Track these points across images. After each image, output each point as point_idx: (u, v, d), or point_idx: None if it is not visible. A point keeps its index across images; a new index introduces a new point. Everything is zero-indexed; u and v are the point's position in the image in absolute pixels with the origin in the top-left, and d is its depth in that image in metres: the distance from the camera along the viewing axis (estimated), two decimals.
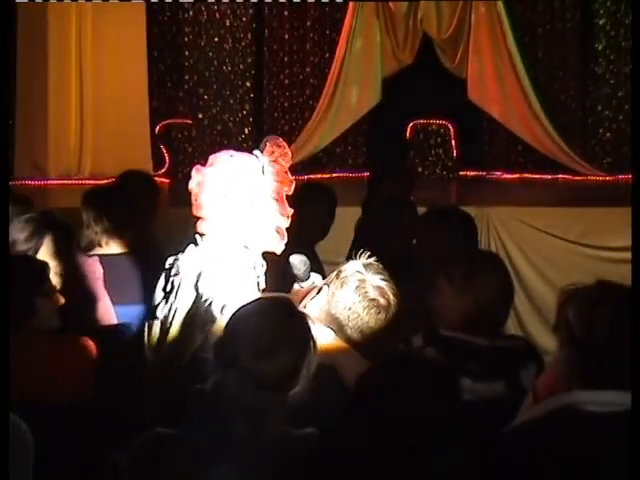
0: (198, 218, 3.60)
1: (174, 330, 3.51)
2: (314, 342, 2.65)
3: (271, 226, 3.59)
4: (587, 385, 2.45)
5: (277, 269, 3.82)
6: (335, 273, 3.27)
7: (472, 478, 2.37)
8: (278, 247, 3.64)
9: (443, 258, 3.85)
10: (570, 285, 2.57)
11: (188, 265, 3.53)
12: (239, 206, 3.55)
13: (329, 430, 2.40)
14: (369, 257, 3.29)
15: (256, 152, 3.65)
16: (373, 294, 3.19)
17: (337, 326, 3.17)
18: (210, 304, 3.41)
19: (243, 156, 3.66)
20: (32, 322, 3.48)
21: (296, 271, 3.89)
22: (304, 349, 2.61)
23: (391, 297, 3.20)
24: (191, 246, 3.58)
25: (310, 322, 2.70)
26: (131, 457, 2.57)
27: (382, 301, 3.18)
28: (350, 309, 3.17)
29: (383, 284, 3.22)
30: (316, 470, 2.33)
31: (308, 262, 3.89)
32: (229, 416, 2.49)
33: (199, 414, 2.53)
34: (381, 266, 3.28)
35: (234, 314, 2.68)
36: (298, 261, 3.87)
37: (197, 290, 3.46)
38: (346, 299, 3.18)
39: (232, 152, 3.69)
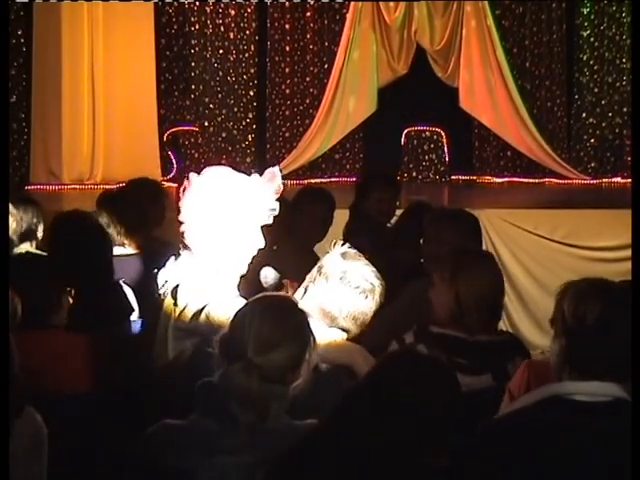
0: (181, 223, 3.56)
1: (158, 338, 3.50)
2: (314, 338, 2.66)
3: (245, 247, 3.55)
4: (577, 374, 2.46)
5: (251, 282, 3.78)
6: (316, 269, 3.24)
7: (462, 466, 2.38)
8: (244, 268, 3.59)
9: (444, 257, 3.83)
10: (567, 282, 2.58)
11: (167, 276, 3.50)
12: (219, 221, 3.50)
13: (333, 421, 2.40)
14: (342, 246, 3.27)
15: (254, 175, 3.62)
16: (357, 281, 3.16)
17: (330, 319, 3.15)
18: (186, 313, 3.38)
19: (236, 175, 3.61)
20: (54, 319, 3.49)
21: (266, 283, 3.82)
22: (305, 344, 2.63)
23: (374, 279, 3.17)
24: (172, 258, 3.54)
25: (310, 319, 2.72)
26: (142, 447, 2.58)
27: (366, 285, 3.14)
28: (339, 300, 3.15)
29: (364, 269, 3.19)
30: (317, 460, 2.34)
31: (279, 275, 3.82)
32: (235, 406, 2.50)
33: (206, 405, 2.55)
34: (357, 252, 3.25)
35: (239, 311, 2.70)
36: (268, 274, 3.81)
37: (175, 300, 3.42)
38: (333, 292, 3.15)
39: (228, 168, 3.65)
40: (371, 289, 3.16)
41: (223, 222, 3.49)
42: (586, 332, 2.44)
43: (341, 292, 3.15)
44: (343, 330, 3.16)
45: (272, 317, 2.63)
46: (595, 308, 2.45)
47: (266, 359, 2.55)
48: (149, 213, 5.06)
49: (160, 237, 5.23)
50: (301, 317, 2.70)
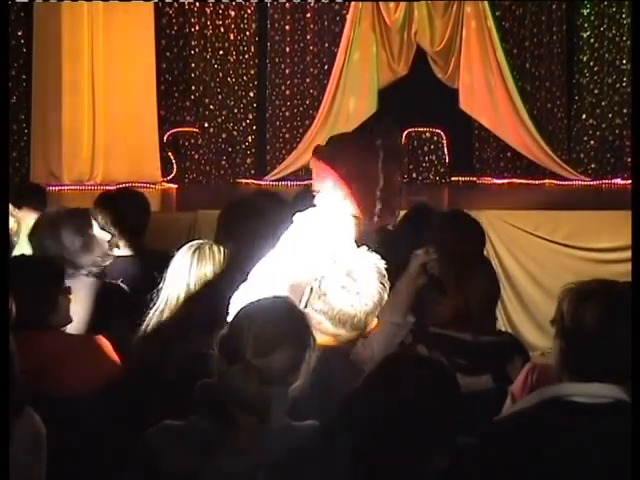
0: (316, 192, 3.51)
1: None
2: (313, 339, 2.66)
3: (385, 202, 3.51)
4: (576, 376, 2.46)
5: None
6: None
7: (462, 467, 2.38)
8: (391, 221, 3.57)
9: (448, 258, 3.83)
10: (570, 283, 2.58)
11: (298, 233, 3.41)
12: (355, 181, 3.45)
13: (333, 424, 2.40)
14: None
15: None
16: (341, 282, 3.06)
17: (317, 322, 3.04)
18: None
19: (360, 137, 3.60)
20: (52, 319, 3.49)
21: None
22: (304, 345, 2.63)
23: (362, 277, 3.07)
24: (303, 214, 3.47)
25: (310, 320, 2.71)
26: (142, 447, 2.58)
27: (349, 284, 3.05)
28: (322, 302, 3.06)
29: (355, 268, 3.09)
30: (317, 461, 2.34)
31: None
32: (234, 409, 2.50)
33: (206, 406, 2.55)
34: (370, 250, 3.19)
35: (239, 311, 2.70)
36: None
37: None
38: (320, 294, 3.08)
39: (348, 133, 3.65)
40: (357, 290, 3.06)
41: (361, 178, 3.41)
42: (584, 334, 2.44)
43: (326, 293, 3.09)
44: (329, 333, 3.07)
45: (272, 319, 2.63)
46: (593, 311, 2.45)
47: (265, 361, 2.55)
48: (145, 219, 5.07)
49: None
50: (301, 318, 2.70)
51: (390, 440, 2.27)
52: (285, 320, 2.64)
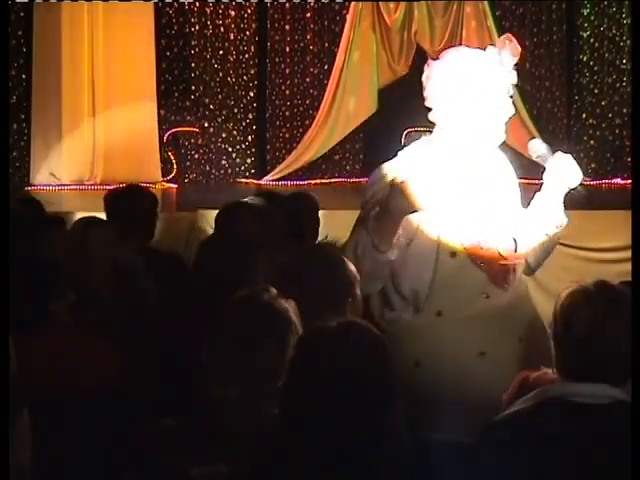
0: (429, 109, 3.60)
1: None
2: (294, 324, 2.63)
3: (502, 119, 3.62)
4: (575, 377, 2.46)
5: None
6: None
7: (462, 467, 2.38)
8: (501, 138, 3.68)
9: None
10: (572, 282, 2.58)
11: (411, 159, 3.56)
12: (469, 99, 3.54)
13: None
14: None
15: (493, 48, 3.64)
16: None
17: None
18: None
19: (475, 51, 3.67)
20: (45, 322, 3.50)
21: (538, 157, 3.86)
22: (283, 340, 2.60)
23: None
24: (415, 142, 3.61)
25: (284, 304, 2.67)
26: (142, 447, 2.58)
27: None
28: None
29: None
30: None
31: (547, 146, 3.87)
32: (230, 409, 2.50)
33: (197, 409, 2.55)
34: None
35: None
36: (538, 146, 3.85)
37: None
38: None
39: (463, 47, 3.73)
40: None
41: (471, 97, 3.58)
42: (581, 336, 2.45)
43: None
44: None
45: (247, 319, 2.61)
46: (590, 311, 2.45)
47: (249, 363, 2.54)
48: (151, 216, 5.07)
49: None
50: (277, 312, 2.65)
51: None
52: (257, 326, 2.61)
